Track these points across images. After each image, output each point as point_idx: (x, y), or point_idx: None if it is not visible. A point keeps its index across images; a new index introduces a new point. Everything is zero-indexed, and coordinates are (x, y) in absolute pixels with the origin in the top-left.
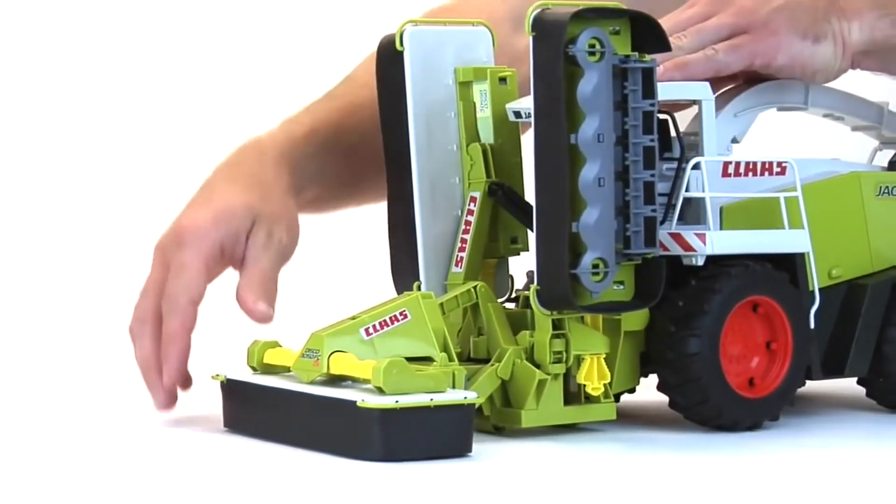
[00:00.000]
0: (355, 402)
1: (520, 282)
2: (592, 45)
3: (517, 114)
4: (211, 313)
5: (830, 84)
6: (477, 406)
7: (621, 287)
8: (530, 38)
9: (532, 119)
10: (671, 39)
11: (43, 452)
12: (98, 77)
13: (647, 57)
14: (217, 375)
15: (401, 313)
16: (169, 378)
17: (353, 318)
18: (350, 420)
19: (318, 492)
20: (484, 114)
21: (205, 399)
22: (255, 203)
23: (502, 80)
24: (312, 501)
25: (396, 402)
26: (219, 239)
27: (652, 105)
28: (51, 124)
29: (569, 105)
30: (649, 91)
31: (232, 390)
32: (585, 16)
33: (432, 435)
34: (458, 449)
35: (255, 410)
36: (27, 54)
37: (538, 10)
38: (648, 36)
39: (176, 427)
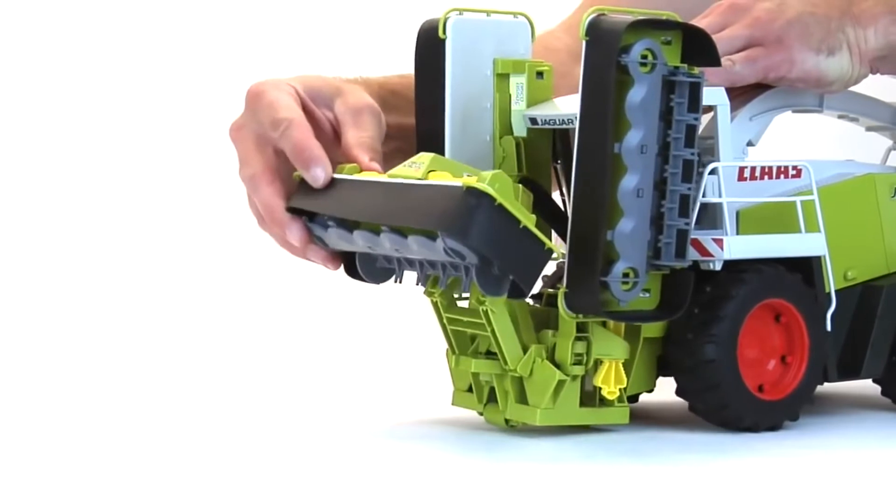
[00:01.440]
0: (459, 185)
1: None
2: (645, 56)
3: (533, 120)
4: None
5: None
6: (557, 258)
7: (647, 295)
8: (583, 43)
9: (575, 123)
10: None
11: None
12: (98, 77)
13: (696, 70)
14: (297, 174)
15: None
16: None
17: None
18: (445, 199)
19: (330, 484)
20: (519, 107)
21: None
22: (335, 80)
23: (539, 74)
24: (322, 493)
25: (496, 197)
26: (296, 88)
27: (696, 119)
28: (50, 124)
29: (616, 113)
30: (694, 105)
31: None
32: (641, 26)
33: (510, 249)
34: (523, 280)
35: (337, 196)
36: (27, 54)
37: (594, 15)
38: (699, 49)
39: (171, 424)
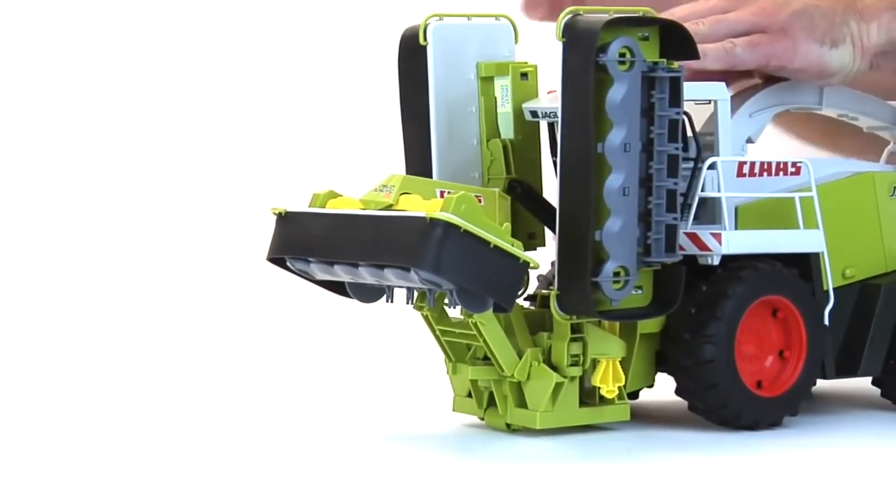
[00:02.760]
0: (423, 216)
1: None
2: (623, 54)
3: (534, 113)
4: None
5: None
6: (533, 266)
7: (639, 292)
8: (560, 45)
9: (559, 125)
10: (688, 25)
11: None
12: (99, 77)
13: (675, 64)
14: (276, 209)
15: (477, 196)
16: None
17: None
18: (413, 231)
19: (337, 485)
20: (505, 109)
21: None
22: None
23: (524, 75)
24: (330, 495)
25: (460, 225)
26: None
27: (678, 113)
28: (50, 125)
29: (597, 113)
30: (676, 99)
31: (290, 220)
32: (617, 24)
33: (483, 271)
34: (503, 298)
35: (311, 235)
36: (28, 54)
37: (569, 16)
38: (676, 43)
39: (169, 422)
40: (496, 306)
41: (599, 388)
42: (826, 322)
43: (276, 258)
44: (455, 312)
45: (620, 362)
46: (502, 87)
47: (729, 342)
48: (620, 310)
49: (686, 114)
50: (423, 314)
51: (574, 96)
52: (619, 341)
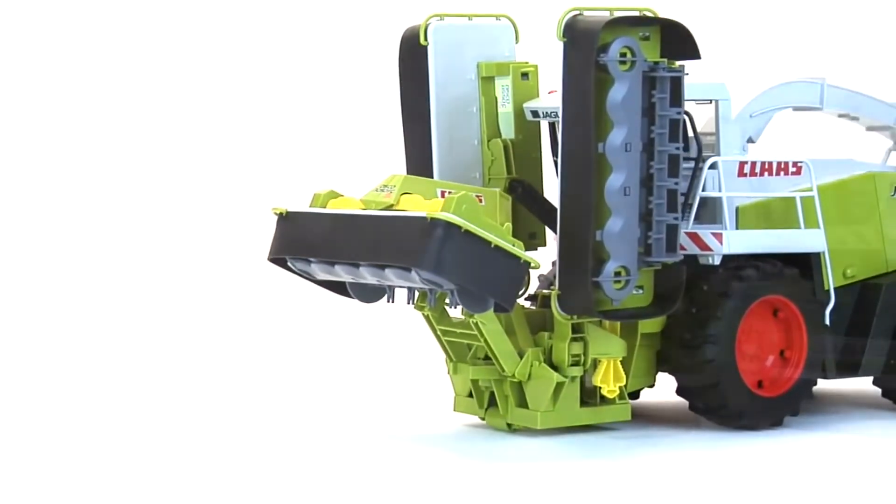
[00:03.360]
0: (424, 216)
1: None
2: (624, 54)
3: (535, 113)
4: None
5: (845, 85)
6: (533, 266)
7: (640, 291)
8: (561, 45)
9: (560, 125)
10: None
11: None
12: (100, 79)
13: (676, 64)
14: (277, 209)
15: (478, 196)
16: None
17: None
18: (414, 231)
19: (334, 484)
20: (505, 109)
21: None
22: None
23: (524, 75)
24: (335, 494)
25: (461, 225)
26: None
27: (679, 113)
28: (52, 126)
29: (597, 113)
30: (676, 99)
31: (291, 221)
32: (618, 24)
33: (484, 271)
34: (504, 298)
35: (312, 235)
36: (28, 56)
37: (571, 15)
38: (678, 43)
39: (170, 422)
40: (497, 306)
41: (600, 387)
42: (827, 322)
43: (277, 258)
44: (456, 312)
45: (621, 362)
46: (503, 87)
47: (730, 342)
48: (621, 309)
49: (687, 113)
50: (423, 314)
51: (575, 96)
52: (619, 341)
